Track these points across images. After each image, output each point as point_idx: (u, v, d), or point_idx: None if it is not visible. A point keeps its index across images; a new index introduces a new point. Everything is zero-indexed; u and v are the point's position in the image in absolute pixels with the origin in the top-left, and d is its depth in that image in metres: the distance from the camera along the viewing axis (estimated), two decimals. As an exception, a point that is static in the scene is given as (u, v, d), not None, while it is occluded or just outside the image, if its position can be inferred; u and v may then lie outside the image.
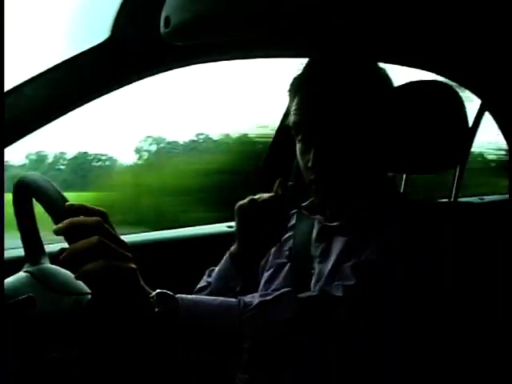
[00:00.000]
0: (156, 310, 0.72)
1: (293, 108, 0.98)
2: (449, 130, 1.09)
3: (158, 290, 0.73)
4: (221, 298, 0.80)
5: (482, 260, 1.09)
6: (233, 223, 1.22)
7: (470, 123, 1.27)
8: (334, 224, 1.01)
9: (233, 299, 0.80)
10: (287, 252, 1.07)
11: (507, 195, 1.36)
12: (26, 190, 0.86)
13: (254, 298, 0.80)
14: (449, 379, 0.95)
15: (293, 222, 1.13)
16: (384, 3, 0.83)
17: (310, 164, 0.94)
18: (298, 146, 1.00)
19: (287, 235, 1.11)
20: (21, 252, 0.96)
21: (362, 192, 0.98)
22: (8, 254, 1.01)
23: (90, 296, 0.83)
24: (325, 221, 1.04)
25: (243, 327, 0.76)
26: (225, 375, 1.03)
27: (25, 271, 0.91)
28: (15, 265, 0.93)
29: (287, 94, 1.01)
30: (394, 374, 0.89)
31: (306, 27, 0.85)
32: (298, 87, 0.99)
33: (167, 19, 0.82)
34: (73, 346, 0.85)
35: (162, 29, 0.84)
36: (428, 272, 0.88)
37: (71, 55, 1.08)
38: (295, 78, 1.01)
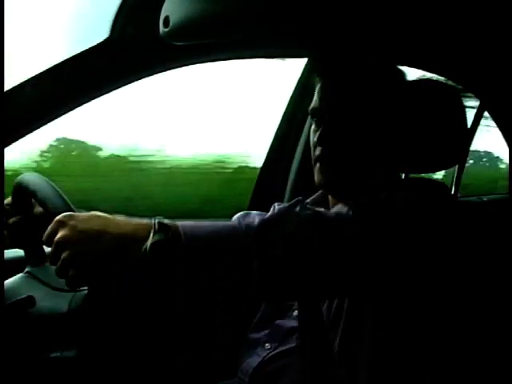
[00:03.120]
0: (157, 239, 0.70)
1: (316, 92, 1.02)
2: (448, 129, 1.09)
3: (156, 219, 0.72)
4: (222, 222, 0.77)
5: (482, 258, 1.09)
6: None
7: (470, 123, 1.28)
8: None
9: (232, 223, 0.78)
10: None
11: (507, 195, 1.36)
12: (25, 191, 0.86)
13: (252, 219, 0.78)
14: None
15: None
16: (384, 3, 0.83)
17: (315, 139, 0.98)
18: (312, 126, 1.03)
19: None
20: (21, 252, 0.96)
21: (369, 184, 0.99)
22: (8, 254, 1.01)
23: (86, 291, 0.83)
24: None
25: (249, 247, 0.73)
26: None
27: (25, 272, 0.91)
28: (15, 265, 0.93)
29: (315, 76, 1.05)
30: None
31: (306, 27, 0.85)
32: (320, 72, 1.02)
33: (167, 19, 0.82)
34: (71, 343, 0.85)
35: (161, 29, 0.84)
36: (429, 260, 0.88)
37: (71, 55, 1.08)
38: (319, 63, 1.05)
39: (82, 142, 2.65)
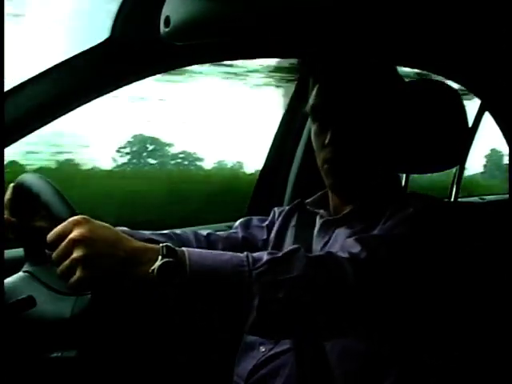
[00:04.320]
0: (164, 261, 0.71)
1: (314, 92, 1.00)
2: (448, 129, 1.09)
3: (164, 244, 0.73)
4: (229, 253, 0.78)
5: (483, 258, 1.09)
6: (232, 223, 1.22)
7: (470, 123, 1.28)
8: (338, 216, 1.01)
9: (241, 254, 0.77)
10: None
11: (507, 195, 1.36)
12: (27, 192, 0.85)
13: (262, 255, 0.77)
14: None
15: (294, 220, 1.12)
16: (385, 4, 0.83)
17: (326, 141, 0.96)
18: (313, 128, 1.01)
19: (288, 234, 1.11)
20: (21, 252, 0.95)
21: (370, 184, 0.99)
22: (8, 254, 1.01)
23: (89, 296, 0.83)
24: (328, 215, 1.04)
25: (253, 284, 0.74)
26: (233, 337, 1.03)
27: (24, 271, 0.91)
28: (15, 265, 0.93)
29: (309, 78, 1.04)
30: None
31: (306, 28, 0.85)
32: (320, 73, 1.01)
33: (167, 19, 0.82)
34: (72, 346, 0.85)
35: (161, 29, 0.84)
36: (431, 260, 0.88)
37: (71, 55, 1.08)
38: (315, 64, 1.04)
39: (157, 139, 2.81)
